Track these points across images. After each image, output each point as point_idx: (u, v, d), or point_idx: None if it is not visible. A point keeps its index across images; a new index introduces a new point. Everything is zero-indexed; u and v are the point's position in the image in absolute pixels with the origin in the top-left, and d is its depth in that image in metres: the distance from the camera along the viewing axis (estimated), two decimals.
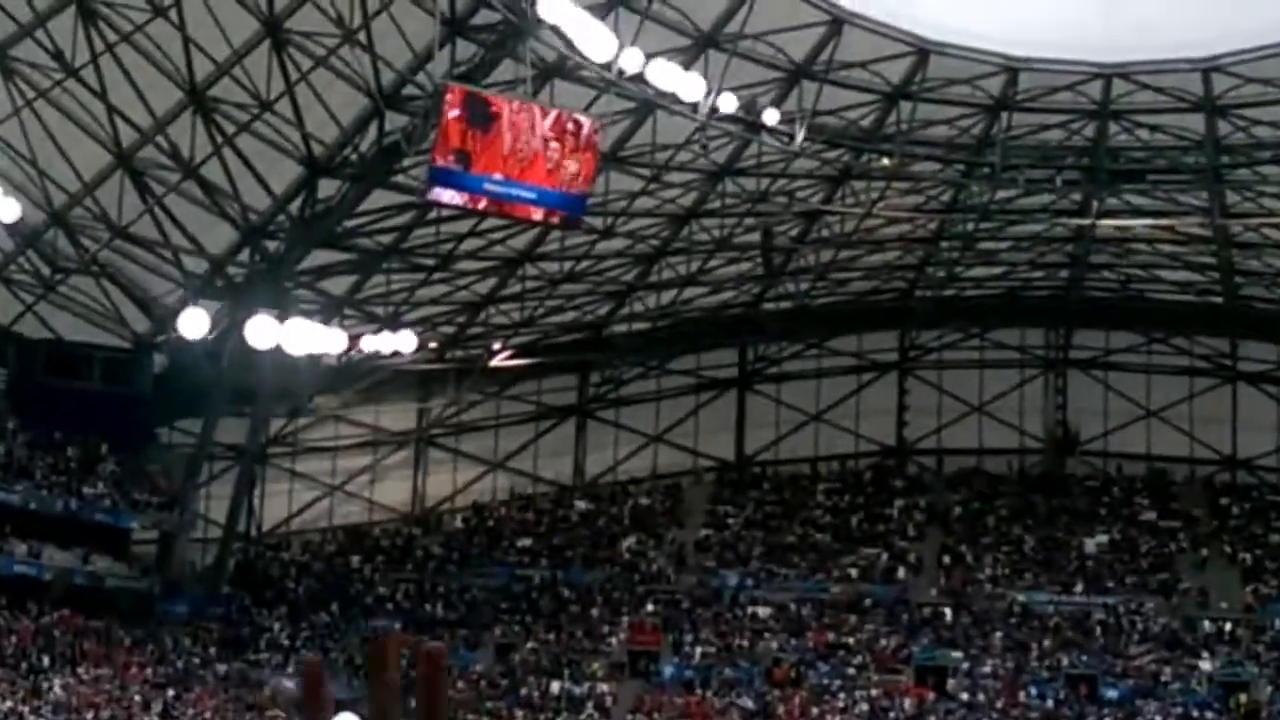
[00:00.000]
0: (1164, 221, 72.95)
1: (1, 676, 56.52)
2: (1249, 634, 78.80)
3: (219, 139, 59.93)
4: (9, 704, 54.14)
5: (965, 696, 75.61)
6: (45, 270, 66.80)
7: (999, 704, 74.87)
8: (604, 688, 75.43)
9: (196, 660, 68.37)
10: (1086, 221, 72.07)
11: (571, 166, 53.76)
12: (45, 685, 57.73)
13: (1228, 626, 79.40)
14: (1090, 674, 76.86)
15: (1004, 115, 66.27)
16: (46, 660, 60.11)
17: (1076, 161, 68.73)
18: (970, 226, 75.78)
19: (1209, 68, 62.83)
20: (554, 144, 52.93)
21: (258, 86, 57.85)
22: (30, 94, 58.29)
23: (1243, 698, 74.35)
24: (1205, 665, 76.96)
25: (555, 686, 75.15)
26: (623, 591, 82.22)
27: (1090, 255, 79.39)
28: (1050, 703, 75.12)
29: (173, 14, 55.08)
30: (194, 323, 62.68)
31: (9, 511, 63.33)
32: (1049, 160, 68.53)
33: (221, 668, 68.73)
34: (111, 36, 56.20)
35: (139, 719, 59.19)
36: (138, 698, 60.74)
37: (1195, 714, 73.85)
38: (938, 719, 74.20)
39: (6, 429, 67.92)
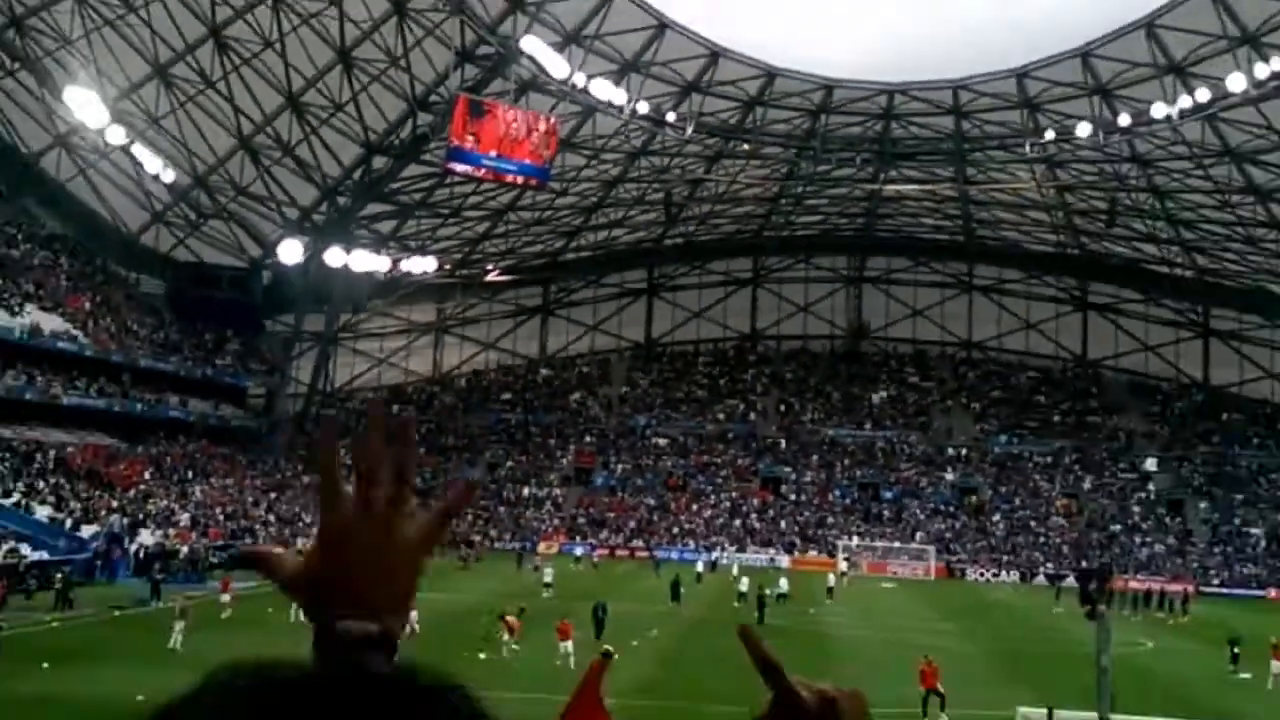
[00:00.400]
0: (926, 187, 73.51)
1: (160, 483, 56.55)
2: (977, 456, 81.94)
3: (307, 129, 60.68)
4: (165, 502, 54.24)
5: (793, 497, 78.26)
6: (192, 215, 67.10)
7: (815, 502, 77.64)
8: (557, 491, 77.64)
9: (290, 474, 68.95)
10: (876, 186, 72.84)
11: (542, 148, 55.07)
12: (189, 491, 57.95)
13: (963, 451, 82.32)
14: (875, 482, 79.45)
15: (823, 117, 66.81)
16: (190, 474, 60.13)
17: (870, 147, 68.69)
18: (800, 189, 75.89)
19: (958, 86, 63.95)
20: (533, 133, 54.47)
21: (333, 94, 58.55)
22: (183, 98, 58.91)
23: (972, 498, 77.84)
24: (949, 476, 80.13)
25: (525, 491, 77.11)
26: (570, 429, 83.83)
27: (878, 209, 79.90)
28: (848, 500, 77.94)
29: (277, 46, 55.93)
30: (290, 251, 64.02)
31: (166, 375, 63.34)
32: (851, 146, 68.66)
33: (306, 479, 68.36)
34: (236, 60, 56.99)
35: (252, 511, 59.67)
36: (250, 498, 61.51)
37: (942, 508, 77.05)
38: (775, 512, 76.48)
39: (165, 321, 67.76)
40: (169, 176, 58.57)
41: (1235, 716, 25.38)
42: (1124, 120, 58.25)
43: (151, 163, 56.97)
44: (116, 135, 54.27)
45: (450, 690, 0.91)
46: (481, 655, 28.96)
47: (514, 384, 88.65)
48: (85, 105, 52.07)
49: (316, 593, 1.15)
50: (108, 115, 52.99)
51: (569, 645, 28.66)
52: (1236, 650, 33.40)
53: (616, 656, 17.47)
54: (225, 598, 34.96)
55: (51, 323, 55.13)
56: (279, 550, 1.26)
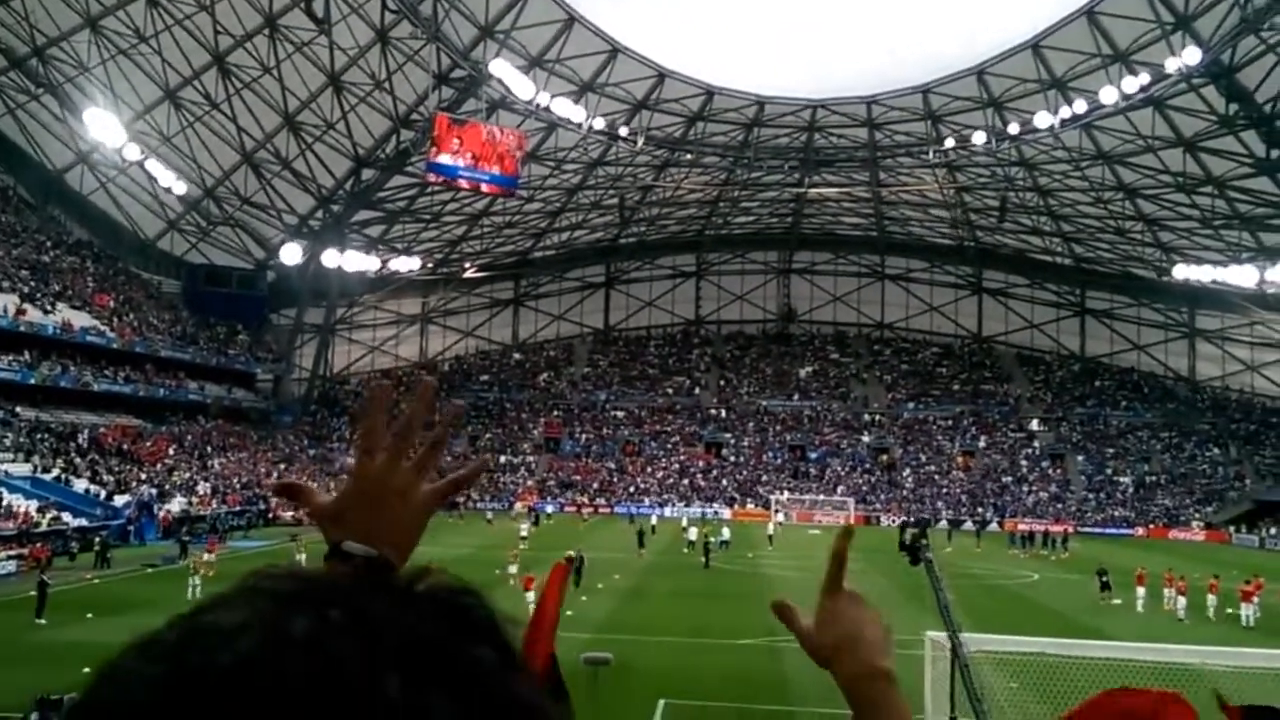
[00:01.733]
0: (844, 189, 73.65)
1: (184, 458, 56.09)
2: (889, 420, 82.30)
3: (303, 145, 60.05)
4: (189, 474, 53.74)
5: (732, 459, 78.18)
6: (202, 222, 66.22)
7: (751, 463, 77.58)
8: (530, 458, 77.32)
9: (296, 448, 68.63)
10: (801, 190, 72.75)
11: (509, 160, 54.75)
12: (209, 463, 57.47)
13: (877, 417, 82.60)
14: (802, 444, 79.61)
15: (755, 129, 66.73)
16: (209, 449, 59.65)
17: (795, 156, 68.74)
18: (736, 193, 75.62)
19: (870, 101, 64.00)
20: (502, 147, 54.10)
21: (325, 114, 58.02)
22: (191, 119, 57.94)
23: (884, 456, 78.02)
24: (865, 438, 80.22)
25: (502, 458, 76.33)
26: (540, 404, 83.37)
27: (803, 209, 79.83)
28: (779, 460, 77.98)
29: (274, 71, 55.27)
30: (290, 253, 63.35)
31: (184, 364, 62.60)
32: (780, 155, 68.76)
33: (311, 452, 69.36)
34: (238, 84, 56.20)
35: (263, 481, 58.43)
36: (262, 469, 60.66)
37: (859, 466, 77.27)
38: (718, 471, 76.41)
39: (182, 316, 66.84)
40: (181, 189, 57.81)
41: (1106, 634, 25.94)
42: (1013, 129, 58.91)
43: (165, 176, 56.24)
44: (133, 152, 53.65)
45: (466, 593, 0.84)
46: None
47: (491, 367, 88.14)
48: (103, 126, 51.45)
49: (336, 519, 1.23)
50: (124, 134, 52.37)
51: (531, 596, 28.28)
52: (1105, 579, 33.99)
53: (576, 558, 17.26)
54: (209, 557, 33.80)
55: (80, 319, 54.27)
56: (311, 485, 1.37)
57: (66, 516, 40.85)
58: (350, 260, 64.87)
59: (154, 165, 55.53)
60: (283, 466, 63.03)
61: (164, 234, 66.91)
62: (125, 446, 52.58)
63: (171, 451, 55.89)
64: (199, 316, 67.74)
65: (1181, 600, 30.73)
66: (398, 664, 0.74)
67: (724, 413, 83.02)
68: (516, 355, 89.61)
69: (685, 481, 74.88)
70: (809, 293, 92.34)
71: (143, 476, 49.67)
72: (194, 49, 54.12)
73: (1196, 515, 69.27)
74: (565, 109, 57.15)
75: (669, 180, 71.55)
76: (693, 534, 45.78)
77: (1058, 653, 16.77)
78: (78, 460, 47.97)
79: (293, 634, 0.74)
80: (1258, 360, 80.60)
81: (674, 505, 69.51)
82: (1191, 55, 49.35)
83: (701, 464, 77.27)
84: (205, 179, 61.33)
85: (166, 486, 50.09)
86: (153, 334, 60.78)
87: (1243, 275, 63.49)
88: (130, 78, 54.59)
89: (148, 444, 54.75)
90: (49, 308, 52.37)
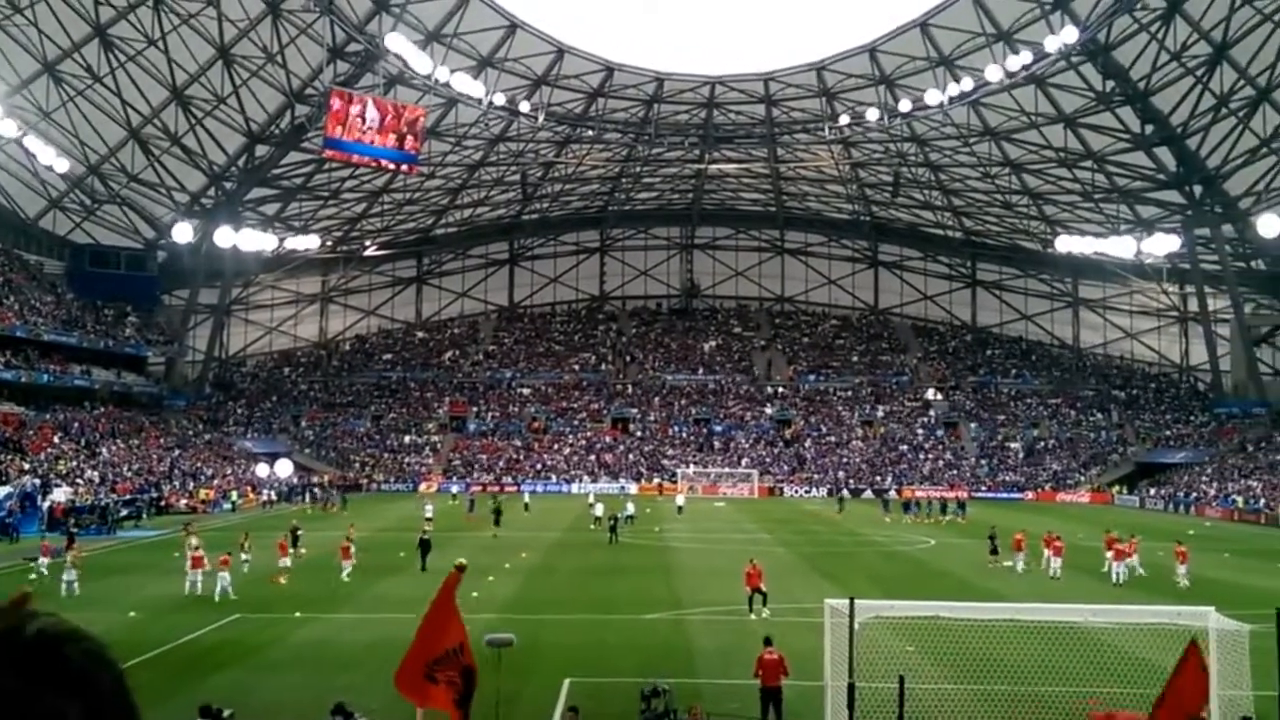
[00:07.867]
0: (743, 165, 74.42)
1: (70, 446, 53.65)
2: (791, 392, 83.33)
3: (193, 120, 57.94)
4: (75, 463, 51.30)
5: (640, 434, 78.48)
6: (87, 201, 63.40)
7: (658, 436, 78.13)
8: (435, 438, 76.42)
9: (190, 433, 66.57)
10: (701, 166, 73.38)
11: (409, 136, 53.43)
12: (97, 451, 55.00)
13: (780, 389, 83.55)
14: (707, 418, 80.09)
15: (656, 106, 66.92)
16: (98, 435, 57.19)
17: (696, 132, 69.02)
18: (638, 169, 75.92)
19: (768, 79, 64.63)
20: (401, 123, 52.57)
21: (216, 88, 56.01)
22: (72, 93, 55.16)
23: (788, 431, 78.77)
24: (769, 410, 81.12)
25: (406, 439, 75.80)
26: (444, 383, 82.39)
27: (704, 185, 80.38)
28: (685, 433, 78.65)
29: (160, 44, 53.07)
30: (182, 232, 61.19)
31: (70, 348, 60.17)
32: (680, 131, 69.07)
33: (206, 436, 67.37)
34: (122, 57, 53.72)
35: (156, 468, 56.84)
36: (155, 455, 58.74)
37: (763, 437, 78.08)
38: (625, 447, 76.55)
39: (66, 298, 64.11)
40: (62, 166, 55.13)
41: (998, 595, 26.56)
42: (904, 106, 59.98)
43: (45, 153, 53.47)
44: (9, 128, 50.60)
45: (72, 640, 0.76)
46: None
47: (393, 345, 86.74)
48: None
49: None
50: None
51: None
52: (995, 543, 34.70)
53: (466, 564, 17.05)
54: (44, 561, 30.54)
55: None
56: None
57: None
58: (245, 239, 62.97)
59: (32, 141, 52.66)
60: (177, 452, 61.08)
61: (45, 213, 63.73)
62: (7, 435, 50.16)
63: (57, 440, 53.48)
64: (85, 299, 65.05)
65: (1057, 561, 31.65)
66: None
67: (630, 388, 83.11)
68: (420, 334, 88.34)
69: (592, 458, 74.81)
70: (711, 268, 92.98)
71: (25, 466, 47.35)
72: (73, 20, 51.46)
73: (1083, 478, 71.74)
74: (464, 84, 56.29)
75: (571, 156, 71.22)
76: (599, 510, 45.79)
77: (951, 615, 16.90)
78: None
79: None
80: (1136, 328, 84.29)
81: (581, 482, 69.47)
82: (1069, 34, 51.27)
83: (608, 439, 77.29)
84: (89, 155, 58.65)
85: (51, 476, 47.81)
86: (35, 317, 58.22)
87: (1122, 246, 66.20)
88: (4, 50, 51.63)
89: (31, 433, 52.29)
90: None
